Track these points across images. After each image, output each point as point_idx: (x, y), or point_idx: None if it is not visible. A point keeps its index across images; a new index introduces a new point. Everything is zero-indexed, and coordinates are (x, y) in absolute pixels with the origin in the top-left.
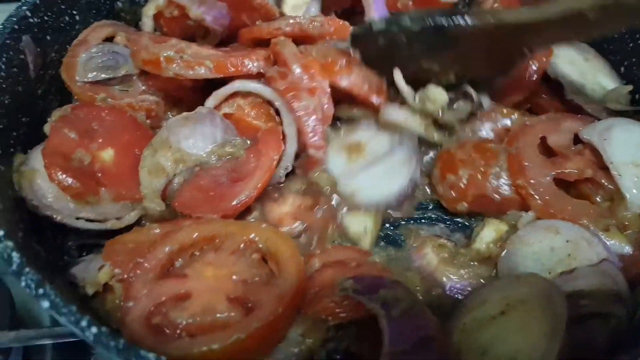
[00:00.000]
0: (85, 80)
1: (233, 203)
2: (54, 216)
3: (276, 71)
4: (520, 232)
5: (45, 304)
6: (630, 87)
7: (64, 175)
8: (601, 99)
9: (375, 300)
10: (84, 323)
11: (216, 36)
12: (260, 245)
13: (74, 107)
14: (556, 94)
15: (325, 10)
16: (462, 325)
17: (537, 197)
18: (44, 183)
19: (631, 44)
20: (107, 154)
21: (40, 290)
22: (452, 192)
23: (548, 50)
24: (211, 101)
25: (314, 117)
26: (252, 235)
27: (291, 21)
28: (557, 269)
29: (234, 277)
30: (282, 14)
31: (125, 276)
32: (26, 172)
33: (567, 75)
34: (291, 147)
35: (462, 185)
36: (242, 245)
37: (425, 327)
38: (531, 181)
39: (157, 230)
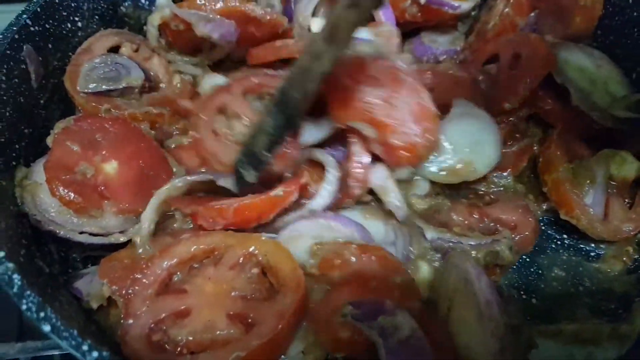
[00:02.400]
0: (87, 90)
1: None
2: (57, 231)
3: None
4: None
5: (47, 327)
6: (639, 96)
7: (66, 190)
8: (608, 107)
9: (374, 327)
10: (85, 347)
11: (223, 50)
12: (260, 258)
13: (77, 118)
14: (562, 99)
15: None
16: None
17: None
18: (47, 197)
19: None
20: (111, 166)
21: (42, 314)
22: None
23: (549, 58)
24: None
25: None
26: (251, 248)
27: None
28: None
29: (234, 292)
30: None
31: (124, 292)
32: (29, 185)
33: (575, 82)
34: None
35: None
36: (241, 259)
37: (423, 355)
38: None
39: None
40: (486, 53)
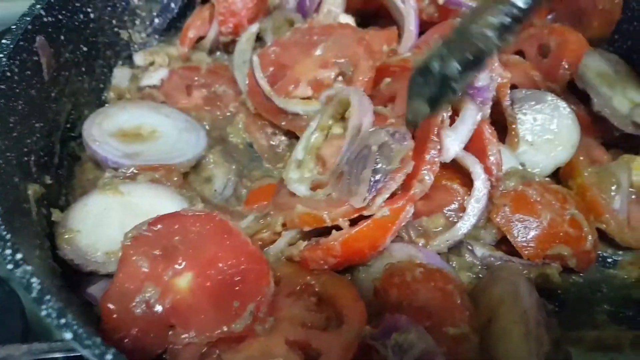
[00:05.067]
0: None
1: None
2: (100, 270)
3: None
4: None
5: (68, 335)
6: None
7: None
8: (628, 113)
9: (388, 346)
10: (109, 357)
11: None
12: (317, 289)
13: (152, 221)
14: (583, 103)
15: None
16: None
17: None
18: (86, 241)
19: None
20: (184, 281)
21: (62, 320)
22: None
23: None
24: None
25: None
26: (308, 278)
27: None
28: None
29: (293, 319)
30: None
31: None
32: (65, 233)
33: (595, 87)
34: None
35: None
36: (298, 287)
37: None
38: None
39: None
40: (507, 51)
